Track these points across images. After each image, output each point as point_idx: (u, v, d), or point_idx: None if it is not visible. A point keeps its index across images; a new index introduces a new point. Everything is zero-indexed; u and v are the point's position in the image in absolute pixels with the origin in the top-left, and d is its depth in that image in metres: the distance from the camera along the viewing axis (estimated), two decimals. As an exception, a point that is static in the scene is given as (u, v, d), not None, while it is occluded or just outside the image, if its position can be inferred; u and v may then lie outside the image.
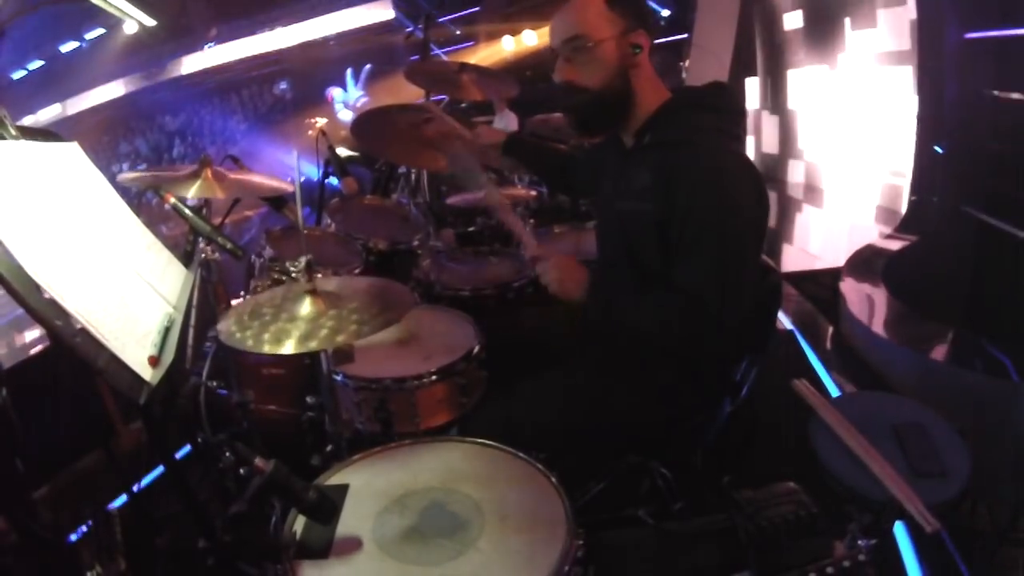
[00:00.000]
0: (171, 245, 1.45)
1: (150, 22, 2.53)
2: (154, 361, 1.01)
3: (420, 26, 3.90)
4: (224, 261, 1.83)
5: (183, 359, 1.56)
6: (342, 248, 2.30)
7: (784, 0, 5.36)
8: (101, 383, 1.59)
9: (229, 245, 1.67)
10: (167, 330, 1.13)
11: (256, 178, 1.96)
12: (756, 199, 1.39)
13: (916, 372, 2.82)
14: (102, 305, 0.99)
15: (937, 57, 3.60)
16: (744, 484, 1.26)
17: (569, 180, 1.97)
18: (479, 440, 1.29)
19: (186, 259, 1.61)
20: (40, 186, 1.07)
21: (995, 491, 1.87)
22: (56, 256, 0.96)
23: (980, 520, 1.83)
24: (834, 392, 2.83)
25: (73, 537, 1.60)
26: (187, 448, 1.90)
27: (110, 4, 1.99)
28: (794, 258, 5.13)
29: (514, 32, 8.72)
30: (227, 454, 1.82)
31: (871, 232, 4.41)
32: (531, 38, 8.49)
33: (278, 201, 1.93)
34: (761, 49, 5.96)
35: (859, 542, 1.18)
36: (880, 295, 3.39)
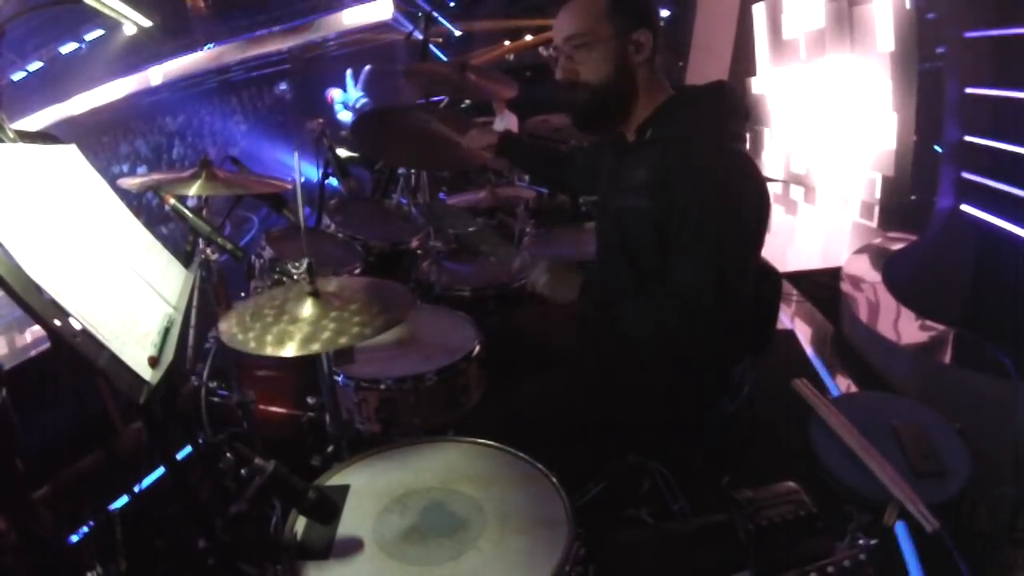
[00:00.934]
0: (171, 246, 1.45)
1: (147, 23, 2.53)
2: (154, 361, 1.01)
3: (420, 27, 3.90)
4: (224, 262, 1.83)
5: (183, 359, 1.56)
6: (342, 249, 2.30)
7: None
8: (101, 383, 1.59)
9: (229, 246, 1.67)
10: (167, 330, 1.13)
11: (256, 179, 1.96)
12: (757, 198, 1.38)
13: (916, 372, 2.82)
14: (102, 305, 0.99)
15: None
16: (744, 484, 1.26)
17: (567, 178, 1.96)
18: (479, 440, 1.29)
19: (186, 260, 1.61)
20: (39, 188, 1.07)
21: (995, 491, 1.87)
22: (56, 257, 0.96)
23: (980, 520, 1.83)
24: (834, 392, 2.83)
25: (73, 537, 1.60)
26: (187, 448, 1.90)
27: (107, 6, 1.99)
28: (794, 258, 5.14)
29: (514, 32, 8.73)
30: (227, 454, 1.82)
31: (871, 232, 4.41)
32: (530, 38, 8.50)
33: (278, 202, 1.93)
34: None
35: (859, 542, 1.18)
36: (880, 295, 3.39)
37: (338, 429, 1.48)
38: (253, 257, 2.12)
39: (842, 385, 2.92)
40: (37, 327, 0.90)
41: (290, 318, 1.19)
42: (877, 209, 4.72)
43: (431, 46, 4.46)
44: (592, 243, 1.78)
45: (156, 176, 1.85)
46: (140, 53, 11.83)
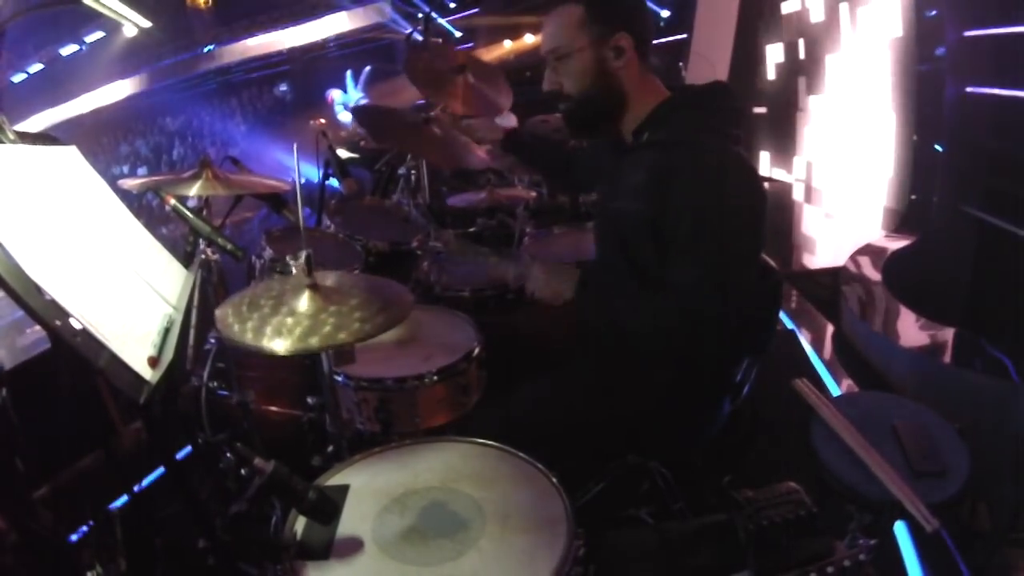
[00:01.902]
0: (171, 246, 1.45)
1: (145, 24, 2.53)
2: (154, 362, 1.01)
3: (419, 28, 3.90)
4: (224, 262, 1.83)
5: (183, 359, 1.56)
6: (342, 249, 2.30)
7: None
8: (101, 383, 1.59)
9: (229, 246, 1.67)
10: (167, 331, 1.13)
11: (256, 179, 1.96)
12: (754, 199, 1.39)
13: (916, 372, 2.82)
14: (102, 305, 0.99)
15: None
16: (744, 484, 1.26)
17: (573, 175, 1.97)
18: (479, 440, 1.29)
19: (186, 260, 1.61)
20: (39, 189, 1.07)
21: (995, 491, 1.87)
22: (56, 258, 0.96)
23: (980, 520, 1.83)
24: (834, 392, 2.83)
25: (73, 537, 1.60)
26: (187, 448, 1.90)
27: (107, 8, 1.99)
28: (795, 258, 5.14)
29: (513, 33, 8.74)
30: (227, 454, 1.82)
31: (871, 232, 4.41)
32: (530, 39, 8.50)
33: (278, 202, 1.93)
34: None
35: (859, 542, 1.18)
36: (880, 295, 3.39)
37: (338, 429, 1.48)
38: (253, 257, 2.12)
39: (842, 385, 2.92)
40: (37, 327, 0.89)
41: (288, 311, 1.17)
42: (877, 209, 4.72)
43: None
44: (592, 243, 1.78)
45: (156, 177, 1.85)
46: (140, 54, 11.83)
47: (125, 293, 1.11)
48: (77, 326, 0.90)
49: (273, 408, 1.83)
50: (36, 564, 1.41)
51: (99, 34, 11.38)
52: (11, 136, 1.17)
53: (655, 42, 1.53)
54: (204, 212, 1.76)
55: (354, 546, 1.06)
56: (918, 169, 4.17)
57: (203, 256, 1.72)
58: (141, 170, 11.39)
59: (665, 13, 7.10)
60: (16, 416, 1.48)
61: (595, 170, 1.69)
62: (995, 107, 3.15)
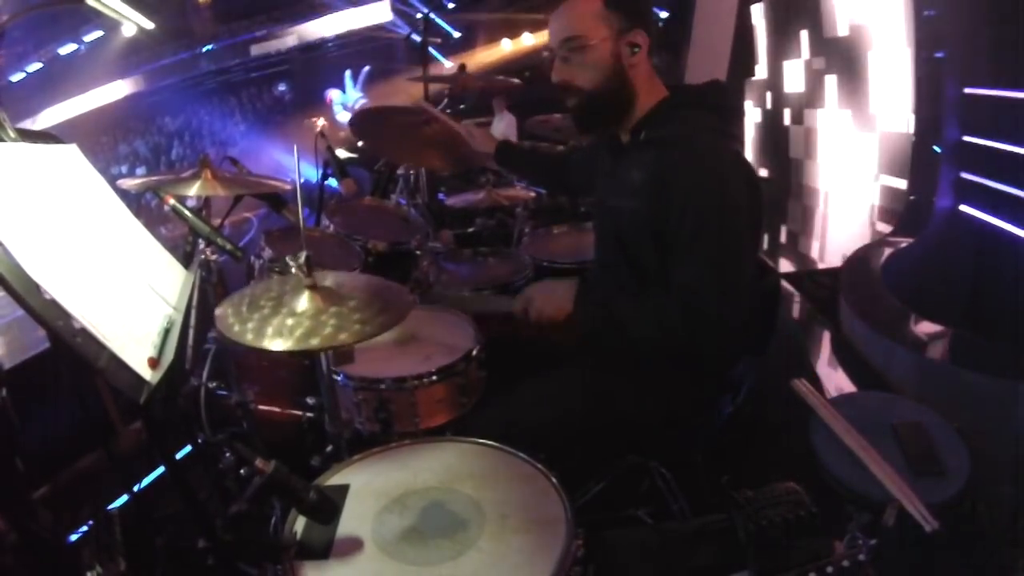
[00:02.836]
0: (171, 246, 1.45)
1: (148, 25, 2.52)
2: (154, 363, 1.01)
3: (419, 28, 3.90)
4: (224, 262, 1.83)
5: (183, 360, 1.56)
6: (341, 249, 2.30)
7: None
8: (101, 383, 1.59)
9: (229, 246, 1.67)
10: (167, 331, 1.13)
11: (255, 179, 1.96)
12: (751, 198, 1.39)
13: (916, 372, 2.82)
14: (102, 305, 0.99)
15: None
16: (744, 484, 1.26)
17: (566, 180, 1.97)
18: (479, 440, 1.29)
19: (186, 260, 1.61)
20: (40, 188, 1.07)
21: (995, 491, 1.87)
22: (56, 257, 0.96)
23: (980, 520, 1.83)
24: (834, 392, 2.83)
25: (73, 537, 1.60)
26: (187, 448, 1.90)
27: (108, 7, 1.99)
28: (795, 258, 5.14)
29: (513, 33, 8.73)
30: (227, 454, 1.82)
31: (871, 232, 4.41)
32: (529, 39, 8.51)
33: (277, 202, 1.93)
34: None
35: (859, 542, 1.18)
36: (880, 295, 3.39)
37: (337, 429, 1.48)
38: (253, 257, 2.12)
39: (842, 385, 2.92)
40: (37, 327, 0.89)
41: (288, 311, 1.17)
42: (877, 209, 4.72)
43: (430, 48, 4.45)
44: (591, 243, 1.78)
45: (155, 176, 1.85)
46: (140, 54, 11.83)
47: (125, 293, 1.11)
48: (77, 326, 0.90)
49: (272, 408, 1.83)
50: (36, 564, 1.41)
51: (98, 33, 11.39)
52: (12, 134, 1.17)
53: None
54: (203, 212, 1.76)
55: (354, 546, 1.06)
56: (917, 169, 4.17)
57: (203, 256, 1.72)
58: (140, 170, 11.41)
59: (664, 14, 7.10)
60: (16, 416, 1.48)
61: (592, 170, 1.69)
62: (995, 107, 3.15)
